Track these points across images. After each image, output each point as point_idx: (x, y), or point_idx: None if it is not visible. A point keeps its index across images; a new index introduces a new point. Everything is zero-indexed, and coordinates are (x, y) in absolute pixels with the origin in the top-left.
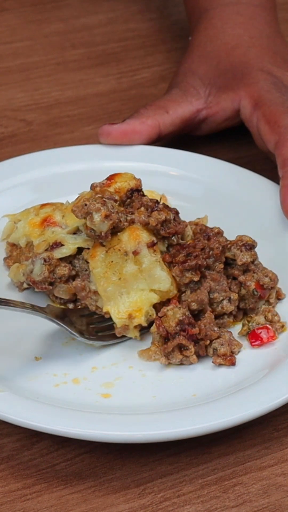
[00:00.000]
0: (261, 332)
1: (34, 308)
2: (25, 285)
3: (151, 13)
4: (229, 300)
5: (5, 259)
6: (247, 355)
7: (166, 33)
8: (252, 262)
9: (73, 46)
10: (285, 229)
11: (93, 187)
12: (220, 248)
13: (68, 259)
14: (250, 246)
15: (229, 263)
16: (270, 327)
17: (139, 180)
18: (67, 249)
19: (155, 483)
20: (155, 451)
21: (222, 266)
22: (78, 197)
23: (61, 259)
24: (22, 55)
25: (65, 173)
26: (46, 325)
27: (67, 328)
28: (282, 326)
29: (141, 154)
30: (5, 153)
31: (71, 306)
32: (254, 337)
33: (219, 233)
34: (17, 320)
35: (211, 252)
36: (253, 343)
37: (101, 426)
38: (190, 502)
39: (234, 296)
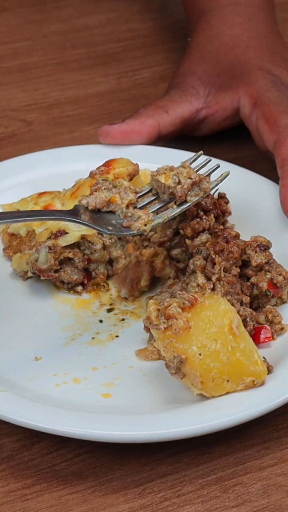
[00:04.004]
0: (259, 332)
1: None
2: (29, 274)
3: (151, 13)
4: (241, 303)
5: (4, 249)
6: None
7: (166, 33)
8: (267, 262)
9: (73, 46)
10: (285, 229)
11: (92, 174)
12: (239, 251)
13: (72, 247)
14: (264, 247)
15: (243, 263)
16: (268, 327)
17: (136, 165)
18: (72, 237)
19: (155, 483)
20: (155, 451)
21: (238, 270)
22: (75, 184)
23: (65, 246)
24: (22, 55)
25: (65, 173)
26: (46, 325)
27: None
28: (282, 328)
29: (141, 154)
30: (5, 153)
31: (79, 289)
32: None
33: (237, 236)
34: (17, 320)
35: (230, 255)
36: None
37: (101, 426)
38: (190, 502)
39: (246, 299)
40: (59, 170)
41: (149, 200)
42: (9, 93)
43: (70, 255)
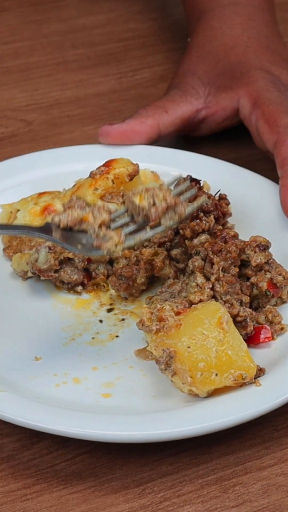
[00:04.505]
0: (259, 332)
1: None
2: (29, 274)
3: (151, 13)
4: (241, 302)
5: (4, 249)
6: None
7: (166, 33)
8: (267, 262)
9: (73, 46)
10: (285, 229)
11: (92, 174)
12: (238, 251)
13: None
14: (264, 246)
15: (243, 263)
16: (268, 327)
17: (136, 165)
18: None
19: (155, 483)
20: (155, 451)
21: (237, 269)
22: (75, 184)
23: None
24: (22, 55)
25: (65, 173)
26: (46, 325)
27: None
28: (282, 328)
29: (141, 154)
30: (5, 153)
31: (79, 289)
32: (250, 336)
33: (235, 236)
34: (17, 320)
35: (228, 255)
36: (248, 341)
37: (101, 426)
38: (190, 502)
39: (246, 299)
40: (59, 170)
41: (123, 221)
42: (9, 93)
43: (70, 255)
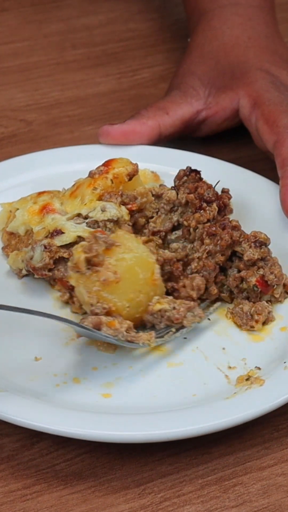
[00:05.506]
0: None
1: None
2: (24, 272)
3: (151, 13)
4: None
5: (3, 248)
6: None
7: (166, 33)
8: (261, 259)
9: (73, 46)
10: (285, 229)
11: (91, 174)
12: (229, 241)
13: (68, 247)
14: (261, 243)
15: (238, 256)
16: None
17: (136, 165)
18: (68, 237)
19: (155, 483)
20: (155, 451)
21: (222, 258)
22: (75, 184)
23: (61, 246)
24: (22, 55)
25: (65, 173)
26: (46, 325)
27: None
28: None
29: (141, 154)
30: (5, 153)
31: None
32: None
33: (236, 227)
34: (18, 320)
35: (219, 242)
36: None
37: (101, 426)
38: (190, 502)
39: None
40: (59, 170)
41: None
42: (9, 93)
43: (65, 255)
